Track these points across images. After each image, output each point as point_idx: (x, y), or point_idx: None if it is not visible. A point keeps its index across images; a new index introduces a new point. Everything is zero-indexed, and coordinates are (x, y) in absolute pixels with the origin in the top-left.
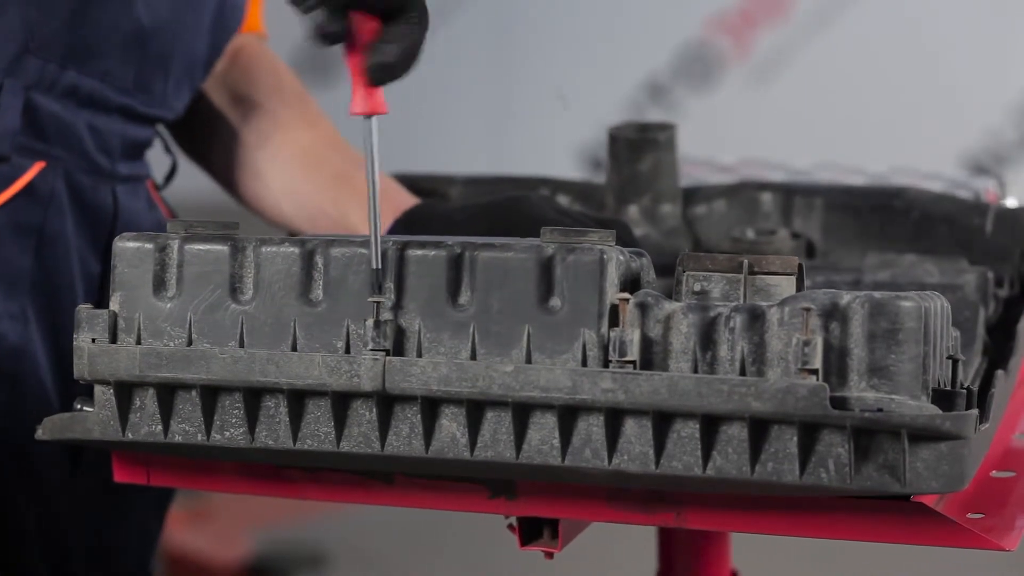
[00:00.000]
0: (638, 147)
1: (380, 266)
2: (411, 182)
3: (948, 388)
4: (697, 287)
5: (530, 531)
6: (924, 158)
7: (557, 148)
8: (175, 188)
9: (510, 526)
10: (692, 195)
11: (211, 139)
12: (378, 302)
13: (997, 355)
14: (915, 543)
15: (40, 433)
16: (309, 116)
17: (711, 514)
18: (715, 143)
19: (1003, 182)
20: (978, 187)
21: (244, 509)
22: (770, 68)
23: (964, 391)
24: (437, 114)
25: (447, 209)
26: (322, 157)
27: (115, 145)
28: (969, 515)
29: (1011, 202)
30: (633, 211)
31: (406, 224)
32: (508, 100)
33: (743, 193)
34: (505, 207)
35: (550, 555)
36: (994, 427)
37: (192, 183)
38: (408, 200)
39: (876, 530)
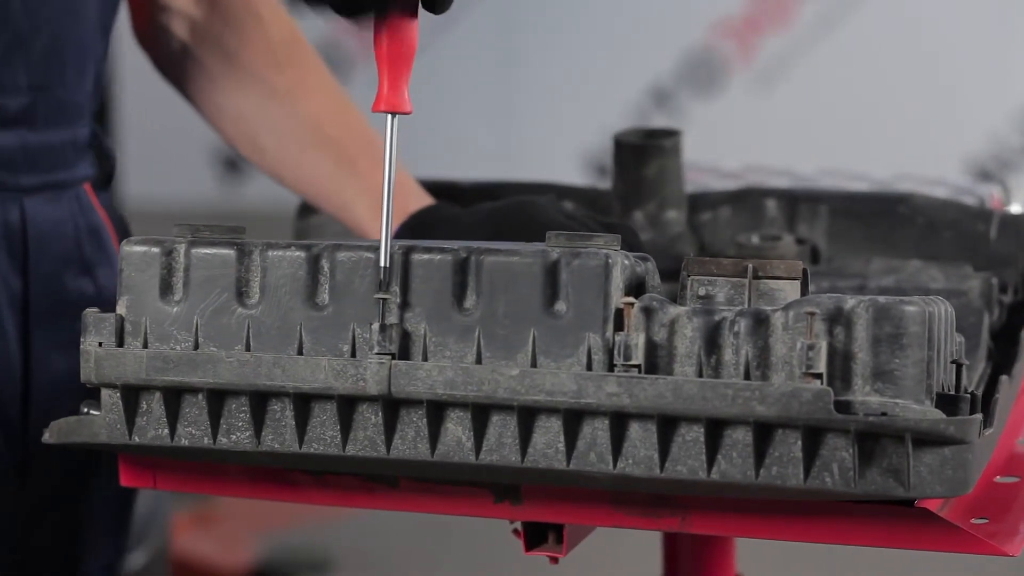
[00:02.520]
0: (643, 153)
1: (389, 264)
2: None
3: (952, 392)
4: (702, 291)
5: (535, 536)
6: (928, 164)
7: (562, 153)
8: (173, 190)
9: (515, 531)
10: (697, 201)
11: (211, 104)
12: (384, 299)
13: (1001, 361)
14: (919, 548)
15: (47, 437)
16: (306, 81)
17: (716, 519)
18: (719, 149)
19: (1007, 188)
20: (982, 193)
21: (250, 513)
22: (774, 74)
23: (968, 395)
24: (442, 119)
25: (453, 213)
26: (323, 135)
27: (15, 157)
28: (973, 520)
29: (1016, 208)
30: (638, 217)
31: (412, 228)
32: (513, 105)
33: (748, 199)
34: (511, 211)
35: (555, 560)
36: (998, 432)
37: (187, 187)
38: (416, 201)
39: (880, 535)
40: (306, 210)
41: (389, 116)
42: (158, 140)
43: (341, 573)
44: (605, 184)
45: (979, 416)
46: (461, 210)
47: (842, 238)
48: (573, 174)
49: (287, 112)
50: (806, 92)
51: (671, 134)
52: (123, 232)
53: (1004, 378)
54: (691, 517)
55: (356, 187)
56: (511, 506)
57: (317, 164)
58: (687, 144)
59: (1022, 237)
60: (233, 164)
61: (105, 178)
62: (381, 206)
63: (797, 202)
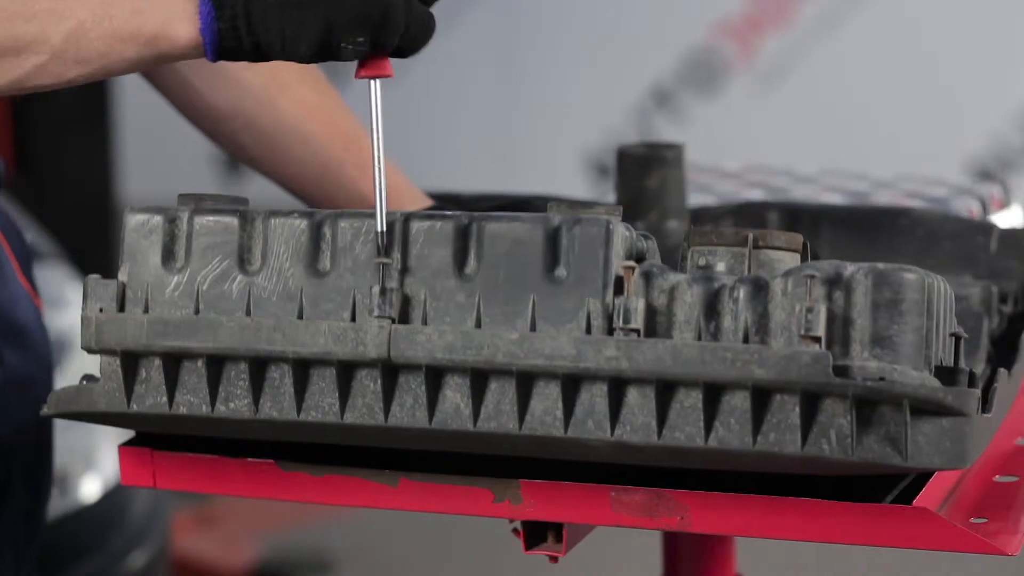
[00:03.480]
0: (646, 164)
1: (385, 228)
2: None
3: (951, 366)
4: (702, 261)
5: (534, 535)
6: (929, 164)
7: (563, 154)
8: (173, 189)
9: (515, 530)
10: (699, 215)
11: (187, 103)
12: (384, 263)
13: (1001, 366)
14: (918, 547)
15: (46, 409)
16: (280, 76)
17: (715, 518)
18: (720, 149)
19: (1008, 188)
20: (983, 193)
21: (250, 513)
22: (775, 74)
23: (967, 371)
24: (443, 122)
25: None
26: (305, 136)
27: None
28: (972, 519)
29: (1016, 214)
30: (640, 227)
31: None
32: (514, 107)
33: (749, 213)
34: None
35: (554, 559)
36: (996, 422)
37: (187, 186)
38: (412, 203)
39: (880, 534)
40: None
41: (372, 82)
42: (158, 139)
43: (341, 573)
44: (606, 188)
45: (978, 391)
46: (460, 213)
47: (843, 251)
48: (574, 174)
49: (265, 112)
50: (807, 92)
51: (673, 146)
52: (13, 236)
53: (1003, 371)
54: (690, 516)
55: (344, 194)
56: (510, 505)
57: (303, 168)
58: (687, 144)
59: (1022, 250)
60: (233, 163)
61: None
62: (374, 172)
63: (799, 215)
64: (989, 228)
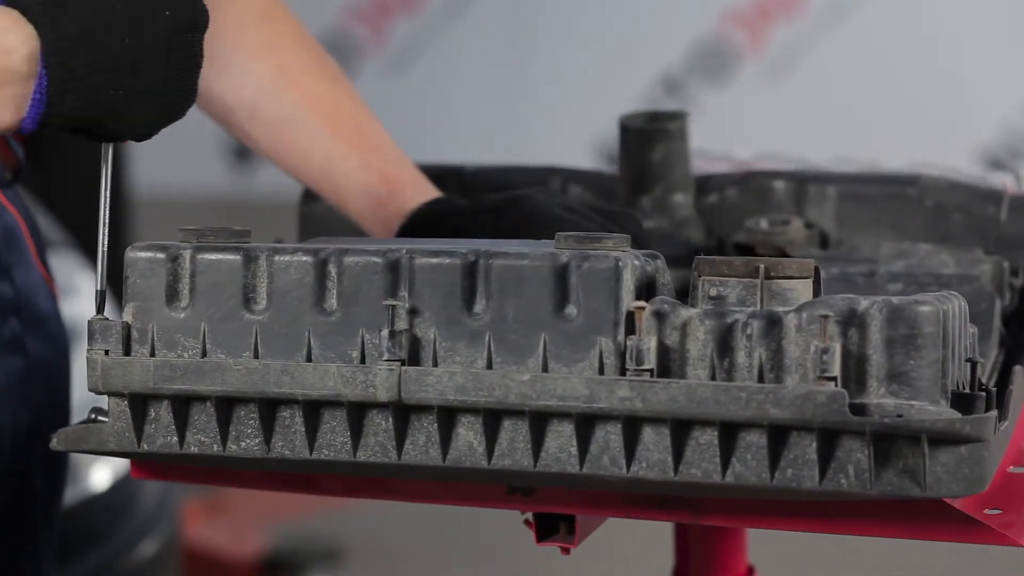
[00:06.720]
0: (649, 137)
1: (104, 288)
2: (421, 171)
3: (967, 391)
4: (713, 292)
5: (546, 527)
6: (940, 153)
7: (572, 143)
8: (182, 180)
9: (526, 522)
10: (704, 184)
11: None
12: (393, 305)
13: (1014, 346)
14: (933, 539)
15: (55, 443)
16: (286, 65)
17: (728, 511)
18: (730, 138)
19: (1019, 176)
20: (994, 182)
21: (260, 503)
22: (785, 63)
23: (983, 393)
24: (452, 107)
25: (455, 207)
26: (310, 126)
27: None
28: (986, 511)
29: None
30: (645, 201)
31: (413, 226)
32: (523, 95)
33: (755, 182)
34: (512, 205)
35: (567, 551)
36: (1012, 424)
37: (196, 176)
38: (416, 193)
39: (893, 527)
40: (309, 197)
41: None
42: (167, 129)
43: (351, 563)
44: (614, 170)
45: (994, 413)
46: (463, 204)
47: (851, 221)
48: (583, 163)
49: (271, 102)
50: (817, 81)
51: (677, 117)
52: (35, 230)
53: (1018, 369)
54: (703, 509)
55: (347, 185)
56: (522, 498)
57: (308, 158)
58: (698, 133)
59: None
60: (242, 153)
61: (12, 176)
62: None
63: (805, 185)
64: (999, 197)
